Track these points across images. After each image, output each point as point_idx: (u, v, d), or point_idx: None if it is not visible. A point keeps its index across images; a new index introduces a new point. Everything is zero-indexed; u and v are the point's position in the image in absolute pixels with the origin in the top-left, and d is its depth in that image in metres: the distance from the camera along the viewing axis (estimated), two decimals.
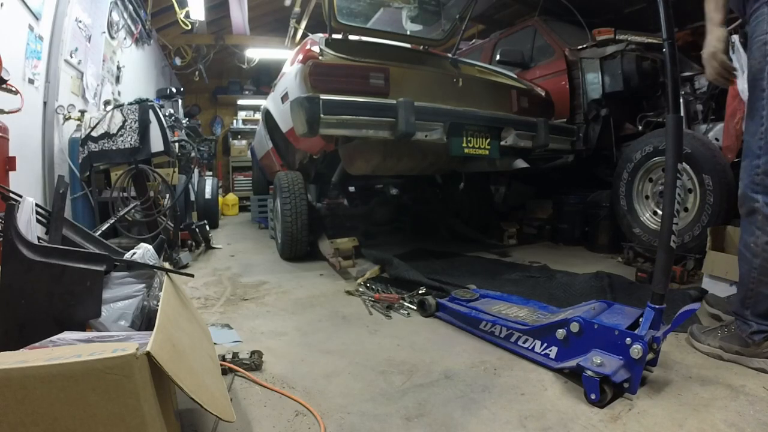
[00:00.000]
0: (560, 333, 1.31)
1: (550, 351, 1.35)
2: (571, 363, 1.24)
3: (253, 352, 1.40)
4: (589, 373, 1.13)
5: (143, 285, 1.30)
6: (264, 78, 8.05)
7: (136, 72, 5.12)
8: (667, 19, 1.26)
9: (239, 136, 8.66)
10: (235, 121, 8.80)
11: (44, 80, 2.89)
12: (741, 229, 1.43)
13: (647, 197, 2.75)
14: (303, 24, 6.00)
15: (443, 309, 1.80)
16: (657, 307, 1.20)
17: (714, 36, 1.42)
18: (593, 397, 1.12)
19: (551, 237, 3.68)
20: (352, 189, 4.25)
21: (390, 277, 2.36)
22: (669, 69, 1.27)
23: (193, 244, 3.46)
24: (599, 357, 1.17)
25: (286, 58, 3.39)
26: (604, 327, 1.22)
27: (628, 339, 1.16)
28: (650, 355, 1.19)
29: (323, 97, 2.17)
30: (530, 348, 1.40)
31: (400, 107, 2.22)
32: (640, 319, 1.24)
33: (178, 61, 6.80)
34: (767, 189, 1.32)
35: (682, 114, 1.29)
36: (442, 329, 1.72)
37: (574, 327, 1.27)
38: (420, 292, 2.08)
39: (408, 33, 3.38)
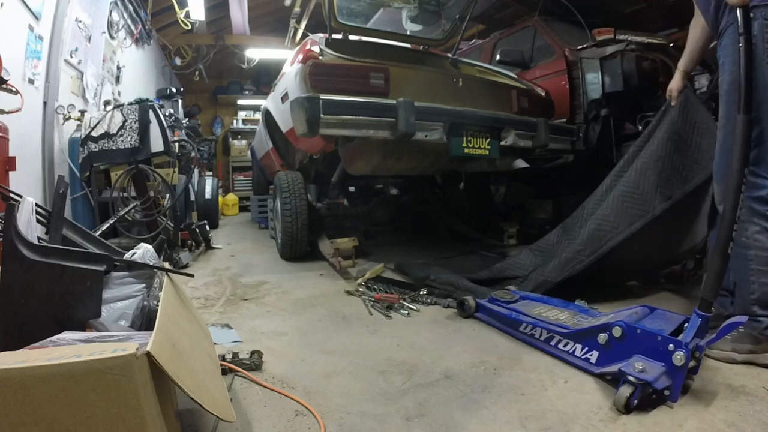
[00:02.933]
0: (602, 337, 1.28)
1: (591, 355, 1.31)
2: (612, 368, 1.20)
3: (253, 352, 1.40)
4: (631, 379, 1.10)
5: (143, 285, 1.30)
6: (264, 78, 8.04)
7: (136, 72, 5.12)
8: (744, 13, 1.25)
9: (239, 136, 8.65)
10: (235, 121, 8.80)
11: (44, 80, 2.89)
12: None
13: None
14: (303, 24, 6.00)
15: (482, 310, 1.77)
16: (704, 314, 1.16)
17: (675, 78, 1.85)
18: (635, 403, 1.09)
19: None
20: (352, 189, 4.25)
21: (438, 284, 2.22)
22: (744, 66, 1.23)
23: (193, 244, 3.46)
24: (641, 363, 1.13)
25: (286, 58, 3.39)
26: (646, 332, 1.19)
27: (671, 345, 1.13)
28: (691, 363, 1.15)
29: (323, 97, 2.17)
30: (570, 352, 1.37)
31: (400, 107, 2.22)
32: (685, 325, 1.21)
33: (178, 61, 6.79)
34: (749, 183, 1.37)
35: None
36: (441, 329, 1.72)
37: (617, 331, 1.24)
38: (422, 292, 2.08)
39: (408, 33, 3.38)
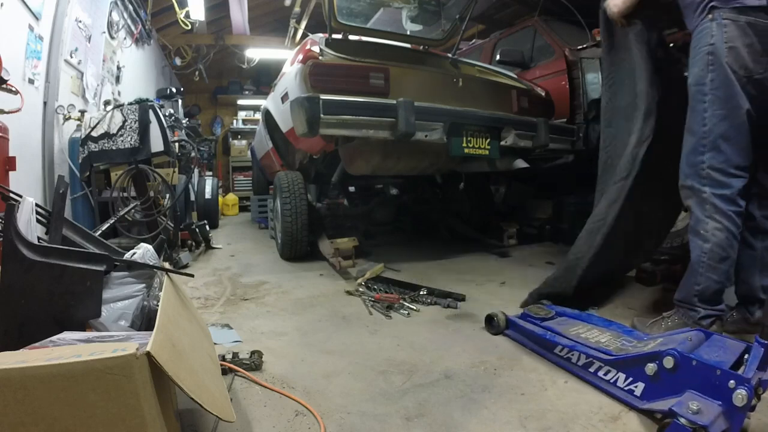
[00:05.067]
0: (650, 367, 1.12)
1: (635, 387, 1.16)
2: (661, 405, 1.06)
3: (253, 352, 1.40)
4: (683, 421, 0.95)
5: (143, 285, 1.30)
6: (264, 78, 8.04)
7: (136, 72, 5.12)
8: None
9: (239, 136, 8.65)
10: (235, 121, 8.80)
11: (44, 80, 2.89)
12: (690, 219, 1.54)
13: None
14: (303, 24, 6.00)
15: (513, 327, 1.61)
16: (766, 343, 1.04)
17: None
18: None
19: (551, 237, 3.68)
20: (352, 189, 4.25)
21: None
22: None
23: (193, 244, 3.46)
24: (696, 402, 0.98)
25: (286, 58, 3.39)
26: (703, 365, 1.04)
27: (731, 381, 0.98)
28: (753, 401, 0.99)
29: (323, 97, 2.17)
30: (612, 381, 1.21)
31: (400, 107, 2.22)
32: (746, 356, 1.09)
33: (178, 61, 6.79)
34: (714, 182, 1.47)
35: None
36: (441, 329, 1.72)
37: (668, 362, 1.08)
38: (421, 293, 2.08)
39: (408, 33, 3.39)
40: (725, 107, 1.45)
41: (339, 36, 2.84)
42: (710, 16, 1.48)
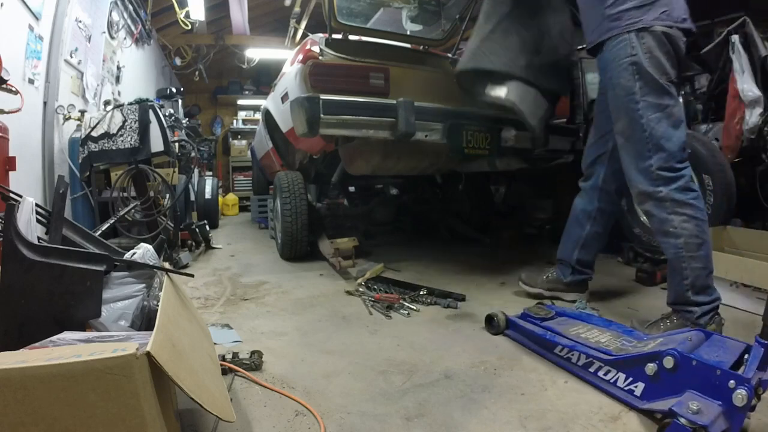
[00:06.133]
0: (650, 367, 1.12)
1: (635, 387, 1.16)
2: (661, 405, 1.06)
3: (253, 352, 1.40)
4: (683, 421, 0.95)
5: (143, 285, 1.30)
6: (264, 78, 8.03)
7: (136, 72, 5.12)
8: None
9: (239, 136, 8.64)
10: (235, 121, 8.80)
11: (44, 80, 2.89)
12: (653, 223, 1.59)
13: None
14: (303, 24, 6.00)
15: (513, 327, 1.62)
16: (767, 342, 1.03)
17: None
18: None
19: (551, 237, 3.68)
20: (352, 189, 4.25)
21: None
22: None
23: (193, 244, 3.46)
24: (696, 402, 0.98)
25: (286, 58, 3.39)
26: (703, 365, 1.04)
27: (731, 381, 0.97)
28: (753, 401, 0.99)
29: (323, 97, 2.17)
30: (612, 381, 1.22)
31: (400, 107, 2.22)
32: (746, 356, 1.09)
33: (178, 61, 6.78)
34: (666, 179, 1.52)
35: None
36: (441, 329, 1.72)
37: (668, 362, 1.08)
38: (421, 293, 2.08)
39: (408, 33, 3.38)
40: (659, 110, 1.52)
41: (339, 36, 2.84)
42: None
